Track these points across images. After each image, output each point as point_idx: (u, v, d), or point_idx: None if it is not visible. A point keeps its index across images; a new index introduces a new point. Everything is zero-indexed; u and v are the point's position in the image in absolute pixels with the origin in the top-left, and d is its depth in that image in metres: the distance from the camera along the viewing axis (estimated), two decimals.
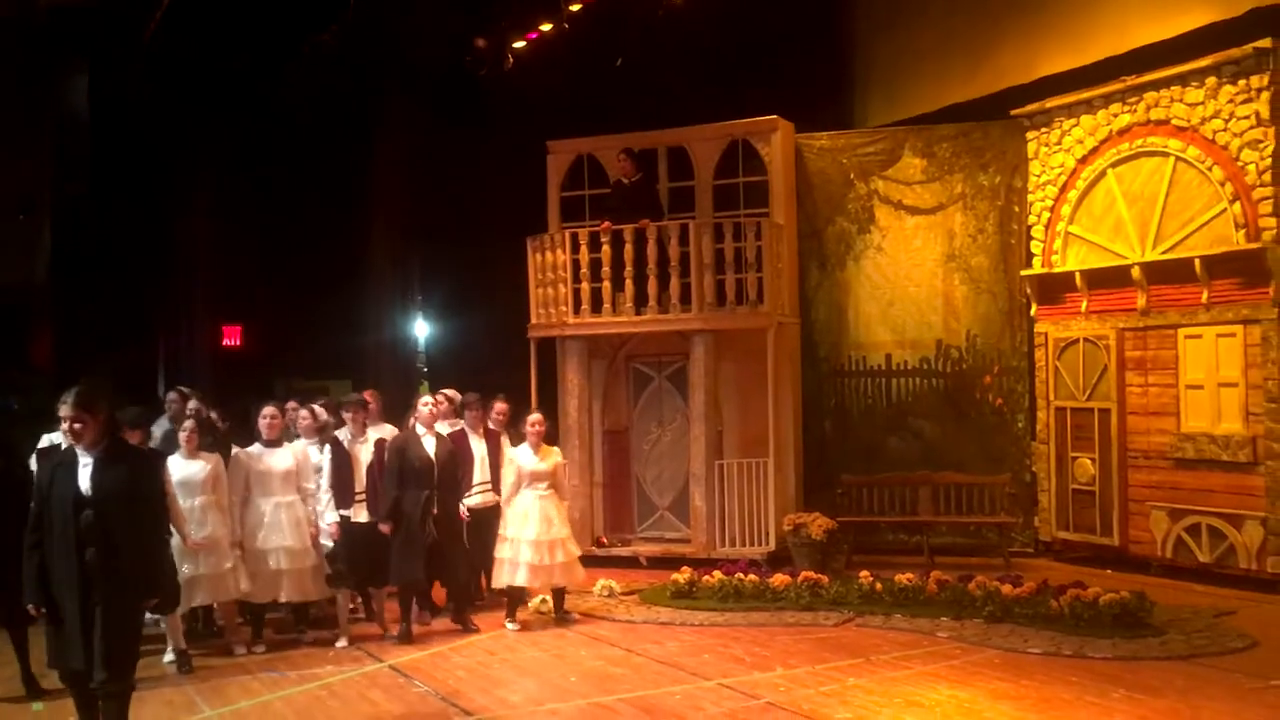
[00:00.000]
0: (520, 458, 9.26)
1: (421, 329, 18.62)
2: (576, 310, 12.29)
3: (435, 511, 8.87)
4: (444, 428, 9.50)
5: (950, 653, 8.19)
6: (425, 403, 9.18)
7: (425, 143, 15.73)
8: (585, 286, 12.23)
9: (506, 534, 9.20)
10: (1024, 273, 12.31)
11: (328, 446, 8.89)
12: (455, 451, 9.29)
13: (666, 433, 12.71)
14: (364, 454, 8.94)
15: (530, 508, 9.16)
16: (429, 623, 9.36)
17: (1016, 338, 12.58)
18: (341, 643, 8.72)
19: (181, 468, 8.25)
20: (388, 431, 9.37)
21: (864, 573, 10.06)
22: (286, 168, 15.70)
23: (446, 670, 8.01)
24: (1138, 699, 6.92)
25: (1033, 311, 12.25)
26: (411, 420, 9.19)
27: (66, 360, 14.76)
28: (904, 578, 9.78)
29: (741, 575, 10.14)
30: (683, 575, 10.27)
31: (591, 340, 12.50)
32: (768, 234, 12.00)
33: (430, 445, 9.01)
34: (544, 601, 9.72)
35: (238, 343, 16.99)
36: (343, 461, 8.84)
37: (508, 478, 9.30)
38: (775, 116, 12.69)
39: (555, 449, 9.68)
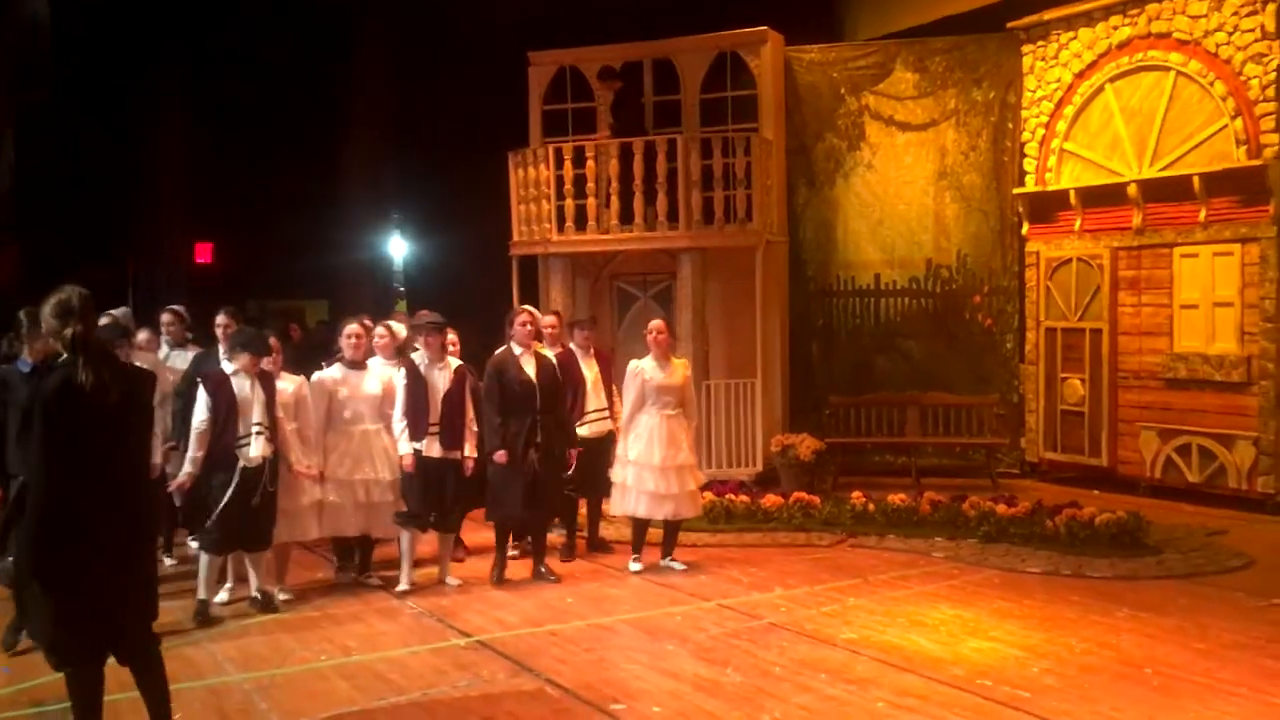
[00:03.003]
0: (646, 370, 8.19)
1: (399, 247, 18.25)
2: (560, 227, 11.97)
3: (539, 441, 7.98)
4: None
5: (948, 573, 8.14)
6: (523, 321, 8.10)
7: (402, 54, 15.25)
8: (569, 203, 11.90)
9: (628, 457, 8.17)
10: (1016, 191, 12.11)
11: (402, 370, 7.87)
12: (558, 373, 8.27)
13: None
14: (440, 381, 7.88)
15: (656, 429, 8.09)
16: (463, 559, 8.72)
17: (1007, 257, 12.42)
18: (403, 585, 7.81)
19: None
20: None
21: (856, 493, 9.98)
22: (259, 80, 15.18)
23: (440, 592, 7.86)
24: (1143, 617, 6.88)
25: (1024, 230, 12.08)
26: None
27: (32, 277, 14.35)
28: (897, 498, 9.71)
29: (732, 496, 10.03)
30: None
31: (575, 258, 12.20)
32: (757, 150, 11.70)
33: (530, 367, 8.03)
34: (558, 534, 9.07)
35: (209, 260, 16.59)
36: (419, 388, 7.80)
37: (629, 393, 8.19)
38: (765, 28, 12.34)
39: (683, 361, 8.51)
